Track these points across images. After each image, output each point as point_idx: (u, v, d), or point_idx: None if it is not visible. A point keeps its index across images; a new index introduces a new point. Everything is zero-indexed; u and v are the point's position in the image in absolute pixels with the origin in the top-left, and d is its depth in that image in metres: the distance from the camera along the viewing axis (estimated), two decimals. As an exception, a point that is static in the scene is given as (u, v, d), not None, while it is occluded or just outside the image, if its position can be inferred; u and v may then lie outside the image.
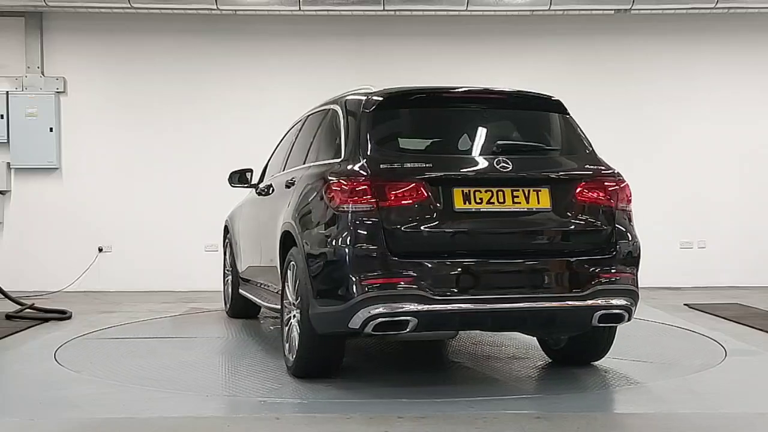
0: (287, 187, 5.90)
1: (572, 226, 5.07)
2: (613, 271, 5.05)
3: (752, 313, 8.37)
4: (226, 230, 8.48)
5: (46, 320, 7.99)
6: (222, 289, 8.65)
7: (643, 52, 11.12)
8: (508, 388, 5.27)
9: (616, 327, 5.48)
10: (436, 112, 5.49)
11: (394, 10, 10.52)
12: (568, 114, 5.59)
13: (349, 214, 4.85)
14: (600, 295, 4.98)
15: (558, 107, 5.58)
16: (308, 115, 6.66)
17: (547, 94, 5.69)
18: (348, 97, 5.68)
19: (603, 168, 5.29)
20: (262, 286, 6.80)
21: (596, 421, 4.50)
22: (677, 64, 11.16)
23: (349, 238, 4.82)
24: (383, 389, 5.25)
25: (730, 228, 11.15)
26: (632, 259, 5.17)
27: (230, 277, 8.24)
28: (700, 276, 10.93)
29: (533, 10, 10.68)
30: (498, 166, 5.01)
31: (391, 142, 5.28)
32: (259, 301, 6.78)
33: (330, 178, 5.05)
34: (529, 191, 5.01)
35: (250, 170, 7.50)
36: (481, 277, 4.86)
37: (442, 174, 4.97)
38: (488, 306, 4.85)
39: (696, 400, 5.12)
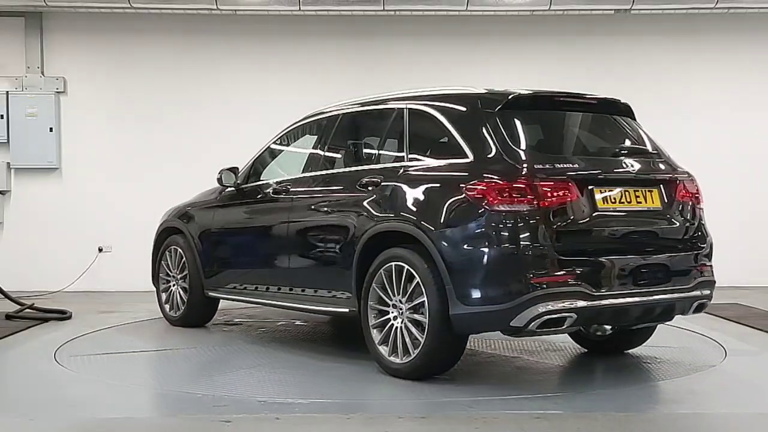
0: (364, 186, 5.78)
1: (679, 224, 5.56)
2: (704, 263, 5.60)
3: (752, 313, 8.37)
4: (168, 233, 7.87)
5: (46, 320, 7.99)
6: (158, 298, 7.96)
7: (643, 52, 11.11)
8: (508, 388, 5.26)
9: None
10: (553, 114, 5.72)
11: (394, 10, 10.51)
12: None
13: (513, 214, 4.96)
14: (700, 286, 5.52)
15: (633, 113, 6.00)
16: (338, 116, 6.50)
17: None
18: (451, 98, 5.71)
19: (684, 169, 5.77)
20: (290, 289, 6.46)
21: (596, 421, 4.50)
22: (677, 64, 11.14)
23: (515, 237, 4.94)
24: (384, 389, 5.25)
25: (730, 228, 11.12)
26: (711, 253, 5.71)
27: (176, 284, 7.67)
28: (700, 276, 10.89)
29: (533, 10, 10.67)
30: (627, 168, 5.42)
31: (523, 142, 5.30)
32: (290, 304, 6.53)
33: (486, 178, 5.06)
34: (645, 192, 5.42)
35: (238, 168, 7.26)
36: (626, 273, 5.18)
37: (586, 174, 5.23)
38: (634, 300, 5.21)
39: (696, 400, 5.13)
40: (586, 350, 6.40)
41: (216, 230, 7.38)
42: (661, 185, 5.52)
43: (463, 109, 5.56)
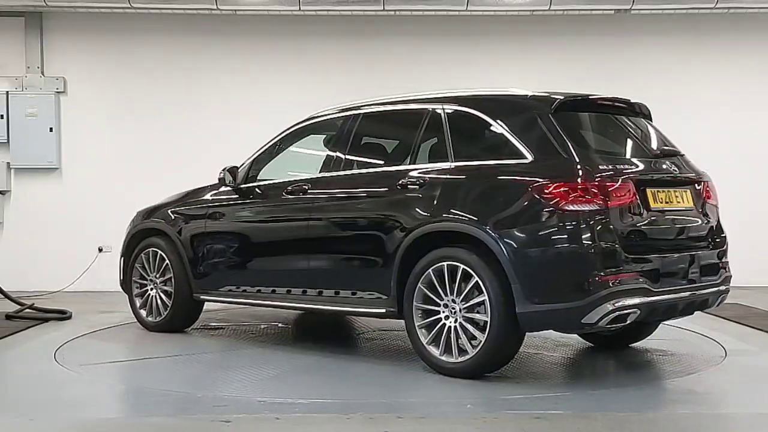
0: (404, 186, 5.74)
1: (707, 222, 5.81)
2: (725, 259, 5.88)
3: (752, 313, 8.38)
4: (144, 234, 7.62)
5: (46, 320, 7.99)
6: (131, 303, 7.62)
7: (643, 52, 11.11)
8: (508, 387, 5.26)
9: None
10: (596, 117, 5.87)
11: (394, 10, 10.51)
12: None
13: (582, 214, 5.07)
14: (725, 281, 5.82)
15: (651, 116, 6.20)
16: (359, 115, 6.38)
17: None
18: (499, 100, 5.79)
19: (702, 170, 5.99)
20: (304, 291, 6.34)
21: (596, 421, 4.50)
22: (677, 64, 11.14)
23: (585, 236, 5.05)
24: (383, 389, 5.25)
25: (730, 228, 11.07)
26: (727, 249, 5.97)
27: (155, 288, 7.39)
28: (700, 276, 10.88)
29: (533, 10, 10.67)
30: (670, 169, 5.66)
31: (581, 144, 5.41)
32: (303, 306, 6.48)
33: (555, 179, 5.12)
34: (681, 192, 5.66)
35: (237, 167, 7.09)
36: (677, 269, 5.44)
37: (641, 175, 5.43)
38: (682, 294, 5.45)
39: (696, 400, 5.13)
40: (592, 345, 6.43)
41: (210, 231, 7.10)
42: (695, 185, 5.77)
43: (515, 110, 5.62)
